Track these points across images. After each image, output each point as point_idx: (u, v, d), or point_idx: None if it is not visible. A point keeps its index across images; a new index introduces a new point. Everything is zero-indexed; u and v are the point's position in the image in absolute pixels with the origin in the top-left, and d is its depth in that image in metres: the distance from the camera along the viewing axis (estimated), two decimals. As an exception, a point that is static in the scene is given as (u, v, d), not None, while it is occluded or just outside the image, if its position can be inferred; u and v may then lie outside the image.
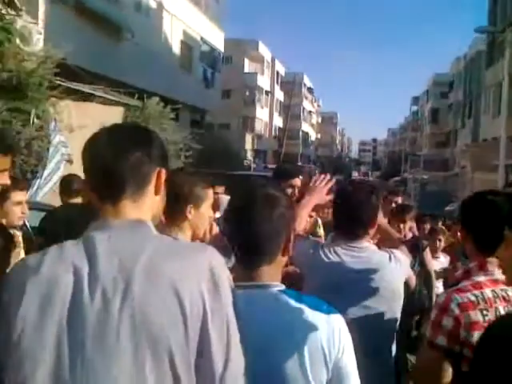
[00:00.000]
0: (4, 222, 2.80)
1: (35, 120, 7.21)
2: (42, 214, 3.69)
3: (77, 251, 1.16)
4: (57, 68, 7.85)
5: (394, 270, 2.25)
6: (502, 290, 1.80)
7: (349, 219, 2.25)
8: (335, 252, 2.23)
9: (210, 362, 1.13)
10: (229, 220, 1.50)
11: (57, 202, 5.93)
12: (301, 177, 3.63)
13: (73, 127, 7.43)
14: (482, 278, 1.84)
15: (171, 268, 1.13)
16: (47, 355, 1.08)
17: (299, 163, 47.24)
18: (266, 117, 48.14)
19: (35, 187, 6.73)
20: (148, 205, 1.26)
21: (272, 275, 1.43)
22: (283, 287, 1.44)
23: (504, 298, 1.79)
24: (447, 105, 50.02)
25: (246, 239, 1.42)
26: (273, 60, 49.69)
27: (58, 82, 7.58)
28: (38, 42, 8.72)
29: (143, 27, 17.81)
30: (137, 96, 12.38)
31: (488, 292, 1.79)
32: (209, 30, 25.51)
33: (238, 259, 1.47)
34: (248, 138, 39.79)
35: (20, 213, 2.98)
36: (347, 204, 2.26)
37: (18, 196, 2.97)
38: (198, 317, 1.12)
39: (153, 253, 1.15)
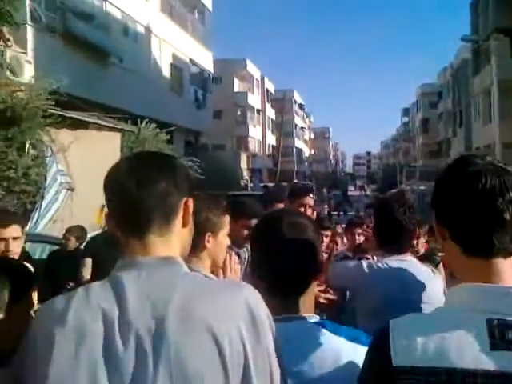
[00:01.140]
0: None
1: (30, 150, 7.12)
2: (43, 245, 3.57)
3: (104, 294, 1.06)
4: (50, 97, 7.79)
5: (438, 282, 2.32)
6: None
7: (394, 232, 2.27)
8: (388, 265, 2.23)
9: None
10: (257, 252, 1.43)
11: (56, 231, 5.81)
12: (311, 195, 3.53)
13: (70, 155, 7.34)
14: None
15: (206, 309, 1.04)
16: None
17: (295, 180, 47.31)
18: (259, 135, 48.32)
19: (35, 218, 6.63)
20: (176, 238, 1.17)
21: (306, 308, 1.35)
22: (318, 318, 1.35)
23: None
24: (437, 114, 50.42)
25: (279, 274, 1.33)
26: (262, 78, 50.09)
27: (53, 112, 7.48)
28: (27, 71, 8.65)
29: (132, 52, 17.88)
30: (130, 121, 12.35)
31: None
32: (197, 51, 25.67)
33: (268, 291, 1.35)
34: (243, 157, 39.84)
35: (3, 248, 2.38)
36: (391, 218, 2.26)
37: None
38: (238, 361, 1.02)
39: (186, 294, 1.06)
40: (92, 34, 15.07)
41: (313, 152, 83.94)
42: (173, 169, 1.19)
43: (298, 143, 65.77)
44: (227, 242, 2.05)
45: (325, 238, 4.11)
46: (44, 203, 6.73)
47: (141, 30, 19.72)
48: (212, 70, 28.49)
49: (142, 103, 16.72)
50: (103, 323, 1.03)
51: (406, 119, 77.87)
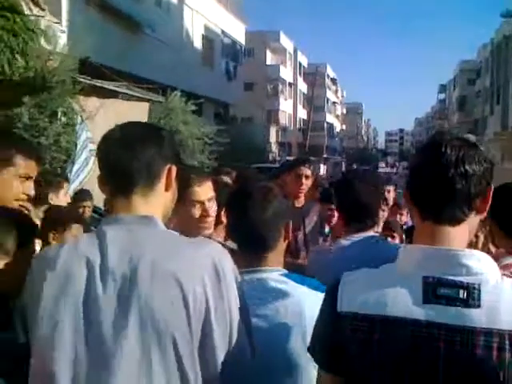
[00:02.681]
0: None
1: (62, 117, 7.36)
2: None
3: (90, 244, 1.24)
4: (80, 66, 7.99)
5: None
6: None
7: (356, 210, 2.21)
8: (348, 244, 2.18)
9: (212, 351, 1.20)
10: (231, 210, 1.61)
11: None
12: (307, 165, 3.67)
13: (98, 123, 7.56)
14: (510, 261, 1.88)
15: (174, 263, 1.20)
16: (66, 343, 1.17)
17: (325, 155, 47.01)
18: (289, 109, 47.96)
19: (66, 183, 6.85)
20: (158, 200, 1.32)
21: (274, 263, 1.52)
22: (285, 271, 1.52)
23: None
24: (475, 92, 49.02)
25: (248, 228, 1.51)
26: (295, 51, 49.40)
27: (81, 79, 7.72)
28: (61, 41, 8.88)
29: (164, 23, 17.93)
30: (160, 91, 12.51)
31: None
32: (230, 23, 25.53)
33: (240, 250, 1.55)
34: (272, 130, 39.75)
35: (21, 193, 1.93)
36: (352, 195, 2.21)
37: (25, 168, 1.93)
38: (200, 310, 1.19)
39: (159, 249, 1.22)
40: (125, 4, 15.22)
41: (344, 127, 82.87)
42: (159, 138, 1.35)
43: (330, 118, 65.01)
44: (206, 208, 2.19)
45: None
46: (74, 169, 6.96)
47: (174, 0, 19.74)
48: (244, 42, 28.32)
49: (172, 74, 16.83)
50: (87, 268, 1.20)
51: (442, 96, 75.90)
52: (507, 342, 1.00)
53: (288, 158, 31.90)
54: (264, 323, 1.38)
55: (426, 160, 1.15)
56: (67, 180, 3.59)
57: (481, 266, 1.08)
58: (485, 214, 1.19)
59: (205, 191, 2.08)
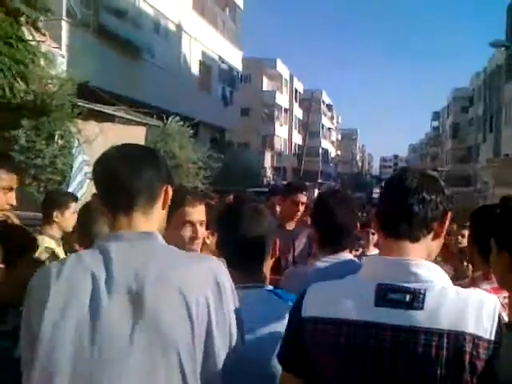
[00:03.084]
0: None
1: (59, 140, 7.48)
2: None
3: (94, 259, 1.27)
4: (79, 90, 8.15)
5: None
6: (504, 297, 1.88)
7: (333, 231, 2.21)
8: (324, 265, 2.17)
9: (214, 361, 1.26)
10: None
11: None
12: (304, 193, 3.78)
13: (96, 146, 7.66)
14: (486, 287, 1.95)
15: (179, 276, 1.26)
16: (68, 357, 1.18)
17: (319, 180, 47.27)
18: (285, 134, 48.43)
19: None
20: (156, 218, 1.38)
21: (261, 278, 1.63)
22: (271, 287, 1.63)
23: (503, 305, 1.87)
24: (468, 119, 49.66)
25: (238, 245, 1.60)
26: (291, 77, 50.14)
27: (80, 103, 7.86)
28: (61, 65, 9.05)
29: (162, 49, 18.27)
30: (156, 116, 12.68)
31: None
32: (227, 49, 25.99)
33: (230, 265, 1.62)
34: (267, 155, 40.04)
35: (5, 203, 2.09)
36: (332, 214, 2.20)
37: (8, 180, 2.10)
38: (203, 319, 1.24)
39: (162, 263, 1.28)
40: (124, 30, 15.52)
41: (339, 153, 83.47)
42: (156, 159, 1.42)
43: (325, 143, 65.59)
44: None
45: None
46: (69, 191, 7.04)
47: (172, 27, 20.12)
48: (241, 68, 28.77)
49: (170, 99, 17.09)
50: (92, 281, 1.23)
51: (435, 123, 76.74)
52: (445, 341, 1.11)
53: (284, 182, 32.08)
54: (249, 336, 1.45)
55: (391, 188, 1.33)
56: (75, 199, 3.62)
57: (430, 274, 1.20)
58: (442, 237, 1.33)
59: (197, 213, 2.09)
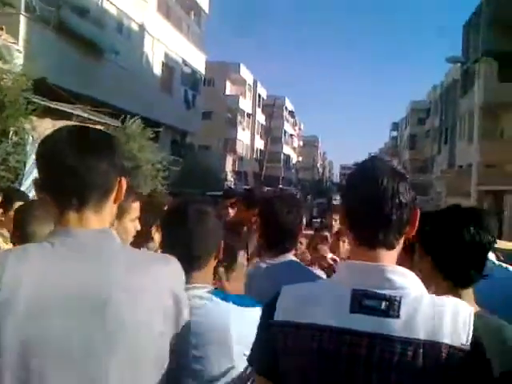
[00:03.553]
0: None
1: (13, 137, 7.29)
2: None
3: (42, 255, 1.16)
4: (36, 87, 7.96)
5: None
6: None
7: (277, 233, 2.22)
8: (267, 267, 2.22)
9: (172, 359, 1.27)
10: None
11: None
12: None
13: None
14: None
15: (146, 279, 1.21)
16: (10, 357, 1.08)
17: (280, 186, 47.58)
18: (247, 139, 48.56)
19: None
20: (107, 213, 1.26)
21: (204, 280, 1.61)
22: (211, 288, 1.61)
23: None
24: (425, 131, 50.99)
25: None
26: (255, 83, 50.36)
27: (35, 100, 7.69)
28: (17, 61, 8.83)
29: (125, 49, 18.04)
30: (116, 116, 12.52)
31: None
32: (190, 52, 25.89)
33: None
34: (229, 159, 40.04)
35: None
36: (276, 216, 2.22)
37: None
38: (171, 322, 1.26)
39: (124, 266, 1.20)
40: (86, 28, 15.24)
41: (301, 159, 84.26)
42: (112, 147, 1.26)
43: (287, 149, 66.10)
44: (135, 226, 2.23)
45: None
46: (22, 189, 6.87)
47: (135, 27, 19.90)
48: (204, 72, 28.71)
49: (131, 100, 16.88)
50: (37, 279, 1.12)
51: (394, 133, 78.50)
52: (421, 351, 1.09)
53: (245, 187, 32.20)
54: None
55: (365, 190, 1.21)
56: (26, 198, 3.55)
57: (405, 281, 1.16)
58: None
59: (137, 209, 2.13)
